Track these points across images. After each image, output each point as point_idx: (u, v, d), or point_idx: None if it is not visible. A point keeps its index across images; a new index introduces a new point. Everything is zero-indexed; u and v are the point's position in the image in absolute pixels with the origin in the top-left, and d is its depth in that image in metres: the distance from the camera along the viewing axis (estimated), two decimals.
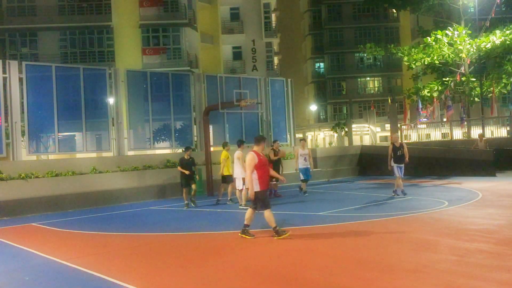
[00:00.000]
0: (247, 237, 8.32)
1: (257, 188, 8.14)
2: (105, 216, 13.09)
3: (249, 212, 8.40)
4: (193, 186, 13.88)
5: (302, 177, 15.24)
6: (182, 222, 11.10)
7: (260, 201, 8.19)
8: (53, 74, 16.68)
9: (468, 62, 26.88)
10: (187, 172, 13.67)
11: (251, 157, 8.23)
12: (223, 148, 14.47)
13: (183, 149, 15.32)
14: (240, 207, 12.74)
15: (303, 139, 16.58)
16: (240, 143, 13.58)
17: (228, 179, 13.97)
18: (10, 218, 13.31)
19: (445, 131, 27.09)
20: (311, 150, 16.43)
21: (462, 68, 27.18)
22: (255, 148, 8.48)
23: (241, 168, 12.65)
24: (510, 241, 7.32)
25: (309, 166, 15.25)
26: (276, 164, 15.03)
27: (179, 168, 13.92)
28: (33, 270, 7.04)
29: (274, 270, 6.29)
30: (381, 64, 51.99)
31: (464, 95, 28.22)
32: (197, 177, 14.54)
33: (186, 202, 13.68)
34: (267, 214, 8.21)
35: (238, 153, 13.18)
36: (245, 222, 8.41)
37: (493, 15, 25.68)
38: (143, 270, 6.68)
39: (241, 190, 12.96)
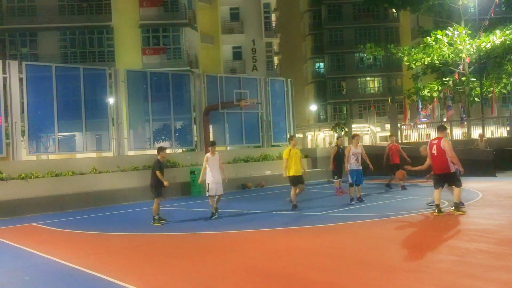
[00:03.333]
0: (440, 214, 9.71)
1: (453, 168, 9.73)
2: (105, 216, 13.09)
3: (437, 192, 9.90)
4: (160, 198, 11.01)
5: (350, 180, 12.35)
6: (182, 222, 11.09)
7: (457, 179, 9.81)
8: (53, 74, 16.69)
9: (468, 60, 26.86)
10: (166, 183, 10.85)
11: (450, 143, 9.86)
12: (289, 143, 12.11)
13: (157, 150, 11.64)
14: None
15: (357, 135, 13.25)
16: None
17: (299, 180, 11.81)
18: (10, 218, 13.30)
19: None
20: (363, 148, 12.90)
21: (461, 67, 27.16)
22: (442, 134, 10.13)
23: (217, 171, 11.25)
24: (510, 241, 7.32)
25: (360, 168, 12.45)
26: (339, 161, 14.27)
27: (158, 173, 10.87)
28: (33, 270, 7.04)
29: (274, 270, 6.29)
30: (381, 64, 51.97)
31: (464, 95, 28.22)
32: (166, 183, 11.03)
33: (157, 216, 10.87)
34: (458, 190, 9.82)
35: (209, 155, 11.36)
36: (436, 202, 9.86)
37: (492, 14, 25.67)
38: (143, 270, 6.68)
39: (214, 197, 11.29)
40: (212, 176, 11.18)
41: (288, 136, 12.99)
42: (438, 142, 9.88)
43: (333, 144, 15.08)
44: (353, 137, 12.96)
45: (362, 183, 12.63)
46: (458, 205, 9.91)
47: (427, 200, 12.13)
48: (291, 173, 11.63)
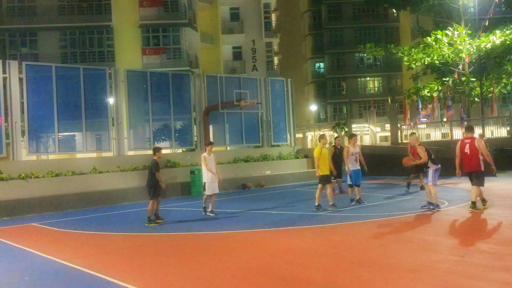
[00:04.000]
0: (476, 211, 10.00)
1: (482, 167, 10.11)
2: (105, 216, 13.09)
3: (476, 189, 10.17)
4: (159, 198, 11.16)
5: (350, 181, 12.16)
6: (182, 222, 11.10)
7: (482, 179, 10.13)
8: (53, 74, 16.69)
9: (467, 60, 26.85)
10: (164, 186, 10.91)
11: (483, 143, 10.37)
12: (319, 142, 11.76)
13: (153, 150, 11.44)
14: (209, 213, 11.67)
15: (354, 135, 12.92)
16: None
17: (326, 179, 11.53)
18: (10, 218, 13.30)
19: (445, 131, 27.07)
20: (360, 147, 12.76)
21: (460, 66, 27.16)
22: (472, 134, 10.50)
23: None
24: (510, 241, 7.32)
25: (359, 168, 12.19)
26: (338, 161, 13.85)
27: (158, 174, 10.71)
28: (33, 270, 7.04)
29: (274, 270, 6.29)
30: (381, 64, 51.96)
31: (464, 95, 28.20)
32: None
33: (153, 217, 10.87)
34: (476, 189, 10.08)
35: (206, 155, 11.69)
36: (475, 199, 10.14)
37: (491, 14, 25.66)
38: (143, 270, 6.68)
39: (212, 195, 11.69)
40: (210, 175, 11.48)
41: (319, 134, 12.91)
42: (472, 142, 10.15)
43: (332, 144, 14.88)
44: (351, 137, 12.58)
45: (360, 183, 12.26)
46: (476, 205, 10.10)
47: (427, 200, 12.14)
48: (325, 172, 11.37)
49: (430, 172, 10.59)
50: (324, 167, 11.35)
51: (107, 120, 17.77)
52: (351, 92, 51.02)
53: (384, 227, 9.02)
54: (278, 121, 23.18)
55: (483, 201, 10.51)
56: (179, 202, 15.31)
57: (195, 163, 18.12)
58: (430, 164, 10.60)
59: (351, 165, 12.07)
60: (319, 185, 11.51)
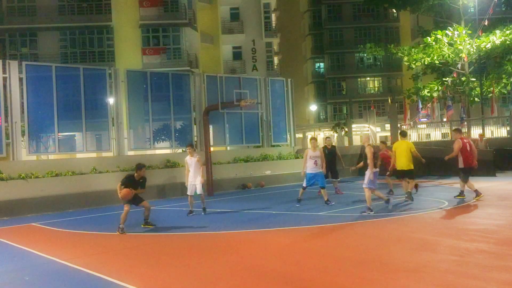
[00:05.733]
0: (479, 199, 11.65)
1: (461, 165, 11.69)
2: (105, 216, 13.10)
3: (470, 182, 11.86)
4: (146, 204, 10.41)
5: (305, 183, 12.39)
6: (182, 222, 11.10)
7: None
8: (53, 74, 16.69)
9: (466, 59, 26.83)
10: (121, 195, 9.94)
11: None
12: (402, 137, 12.54)
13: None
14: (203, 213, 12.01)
15: (314, 138, 13.00)
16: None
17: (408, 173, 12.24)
18: (10, 218, 13.30)
19: (445, 131, 27.07)
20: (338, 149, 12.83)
21: (459, 65, 27.15)
22: (462, 135, 12.05)
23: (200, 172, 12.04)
24: (510, 241, 7.32)
25: (320, 171, 12.25)
26: (329, 162, 14.00)
27: (119, 187, 10.06)
28: (33, 270, 7.04)
29: (274, 270, 6.29)
30: (381, 64, 51.95)
31: (464, 95, 28.20)
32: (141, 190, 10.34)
33: (122, 225, 10.00)
34: (466, 184, 11.85)
35: (188, 157, 12.11)
36: (474, 189, 11.73)
37: (491, 11, 25.66)
38: (143, 270, 6.68)
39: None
40: (189, 176, 11.97)
41: (400, 130, 13.67)
42: (469, 141, 11.85)
43: (322, 146, 15.00)
44: (311, 140, 12.73)
45: (324, 185, 12.35)
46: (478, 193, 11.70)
47: (426, 200, 12.16)
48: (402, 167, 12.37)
49: (372, 175, 10.43)
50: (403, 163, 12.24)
51: (107, 120, 17.77)
52: (351, 92, 51.01)
53: (384, 227, 9.02)
54: (278, 121, 23.17)
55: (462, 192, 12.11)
56: (178, 202, 15.30)
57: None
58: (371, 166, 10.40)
59: (309, 168, 12.18)
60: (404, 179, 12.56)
